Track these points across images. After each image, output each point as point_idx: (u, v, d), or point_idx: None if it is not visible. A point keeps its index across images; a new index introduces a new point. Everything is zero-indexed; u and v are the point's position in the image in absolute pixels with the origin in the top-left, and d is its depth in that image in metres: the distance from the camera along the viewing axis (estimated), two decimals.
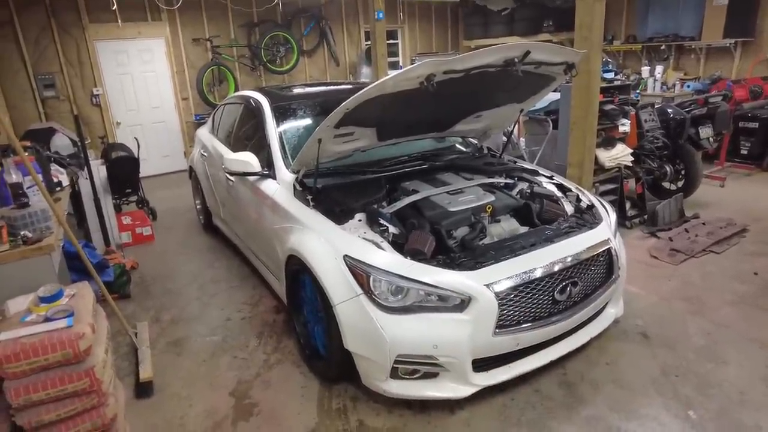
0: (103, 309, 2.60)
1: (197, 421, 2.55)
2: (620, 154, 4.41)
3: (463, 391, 2.37)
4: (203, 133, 5.15)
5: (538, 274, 2.41)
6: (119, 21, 7.48)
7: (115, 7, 7.23)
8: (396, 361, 2.30)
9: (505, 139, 3.84)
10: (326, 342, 2.61)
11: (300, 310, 3.02)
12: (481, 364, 2.42)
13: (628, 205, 4.88)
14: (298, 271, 2.84)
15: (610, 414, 2.42)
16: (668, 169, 5.11)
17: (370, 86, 2.37)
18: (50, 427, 2.01)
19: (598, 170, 4.48)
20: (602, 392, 2.58)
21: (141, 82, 7.92)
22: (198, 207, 5.49)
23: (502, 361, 2.47)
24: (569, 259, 2.53)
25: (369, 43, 9.84)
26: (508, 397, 2.57)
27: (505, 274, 2.36)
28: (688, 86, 6.94)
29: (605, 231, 2.83)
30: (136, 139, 6.03)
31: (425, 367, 2.34)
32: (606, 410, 2.45)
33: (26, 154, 3.11)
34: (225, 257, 4.59)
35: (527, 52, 2.50)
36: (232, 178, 3.82)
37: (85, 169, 4.31)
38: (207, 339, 3.27)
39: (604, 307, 2.89)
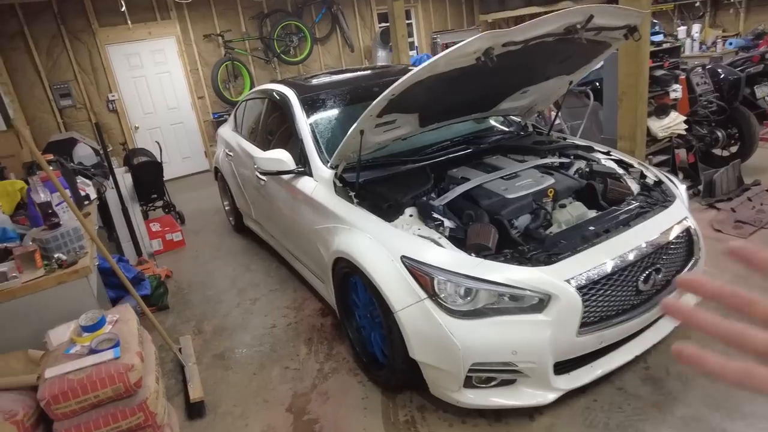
0: (144, 323, 2.45)
1: None
2: (673, 123, 4.10)
3: (546, 397, 2.15)
4: (226, 131, 4.96)
5: (621, 263, 2.17)
6: (129, 23, 7.31)
7: (123, 8, 7.04)
8: (470, 370, 2.09)
9: (552, 115, 3.56)
10: (387, 350, 2.41)
11: (352, 315, 2.83)
12: (561, 366, 2.19)
13: (680, 176, 4.57)
14: (348, 274, 2.65)
15: (709, 413, 2.19)
16: (720, 134, 4.76)
17: (418, 68, 2.13)
18: None
19: (649, 142, 4.17)
20: (694, 387, 2.34)
21: (156, 83, 7.76)
22: (227, 208, 5.33)
23: (583, 361, 2.24)
24: (652, 243, 2.27)
25: (382, 25, 9.53)
26: (590, 399, 2.35)
27: (586, 266, 2.11)
28: (730, 44, 6.49)
29: (681, 209, 2.57)
30: (158, 142, 5.88)
31: (502, 375, 2.13)
32: (703, 408, 2.21)
33: (52, 168, 2.96)
34: (260, 259, 4.42)
35: (590, 17, 2.23)
36: (263, 177, 3.62)
37: (111, 178, 4.16)
38: (254, 349, 3.11)
39: None
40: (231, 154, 4.59)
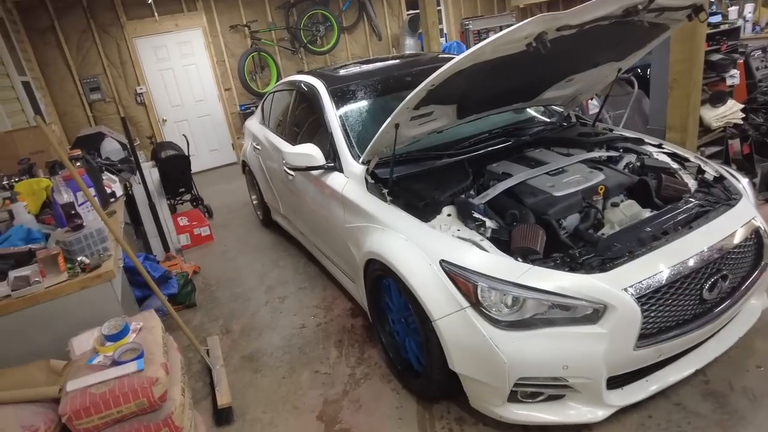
0: (170, 324, 2.36)
1: None
2: (729, 111, 3.80)
3: (596, 414, 1.97)
4: (253, 124, 4.87)
5: (684, 270, 1.96)
6: (156, 15, 7.28)
7: (150, 0, 7.01)
8: (516, 384, 1.93)
9: (596, 104, 3.32)
10: (424, 359, 2.26)
11: (384, 318, 2.69)
12: (613, 380, 2.01)
13: (733, 168, 4.26)
14: (381, 276, 2.50)
15: None
16: None
17: (461, 56, 1.95)
18: None
19: (700, 132, 3.89)
20: (763, 406, 2.13)
21: (183, 75, 7.73)
22: (255, 202, 5.25)
23: (638, 375, 2.05)
24: (718, 247, 2.06)
25: (410, 13, 9.29)
26: (644, 415, 2.16)
27: (645, 273, 1.91)
28: None
29: (749, 208, 2.33)
30: (185, 136, 5.84)
31: (550, 390, 1.96)
32: None
33: (77, 165, 2.89)
34: (289, 255, 4.32)
35: None
36: (292, 172, 3.49)
37: (138, 173, 4.11)
38: (283, 351, 3.00)
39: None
40: (258, 147, 4.49)
